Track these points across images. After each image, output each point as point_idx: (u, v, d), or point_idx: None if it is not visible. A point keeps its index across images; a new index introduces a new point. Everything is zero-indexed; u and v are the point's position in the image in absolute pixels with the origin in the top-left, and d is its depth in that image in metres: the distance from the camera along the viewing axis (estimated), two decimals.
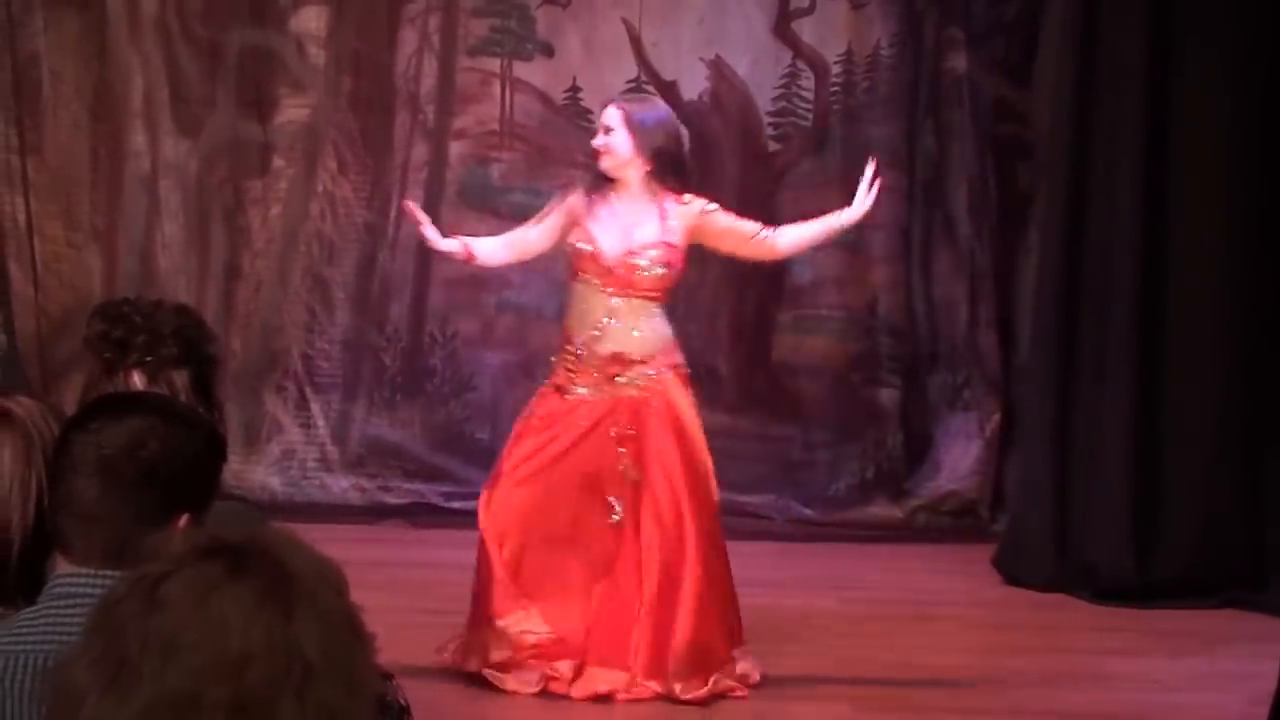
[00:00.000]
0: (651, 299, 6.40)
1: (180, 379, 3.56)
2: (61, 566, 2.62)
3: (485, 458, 9.14)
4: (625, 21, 9.08)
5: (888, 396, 9.21)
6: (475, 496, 8.99)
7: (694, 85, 9.09)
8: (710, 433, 9.23)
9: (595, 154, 6.47)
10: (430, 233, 6.57)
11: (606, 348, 6.36)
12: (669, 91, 9.07)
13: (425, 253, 9.18)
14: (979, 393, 9.19)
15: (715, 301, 9.18)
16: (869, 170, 6.44)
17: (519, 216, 8.96)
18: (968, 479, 9.14)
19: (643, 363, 6.38)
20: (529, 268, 9.13)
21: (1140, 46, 7.79)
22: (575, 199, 6.53)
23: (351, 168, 9.16)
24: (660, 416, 6.35)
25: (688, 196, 6.46)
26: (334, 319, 9.20)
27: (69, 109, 9.11)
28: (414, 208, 6.77)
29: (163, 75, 9.10)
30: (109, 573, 2.52)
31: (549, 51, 9.13)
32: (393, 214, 9.14)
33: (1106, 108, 7.91)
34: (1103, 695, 6.49)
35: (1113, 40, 7.89)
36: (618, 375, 6.36)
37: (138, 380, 3.55)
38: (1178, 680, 6.71)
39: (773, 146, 9.19)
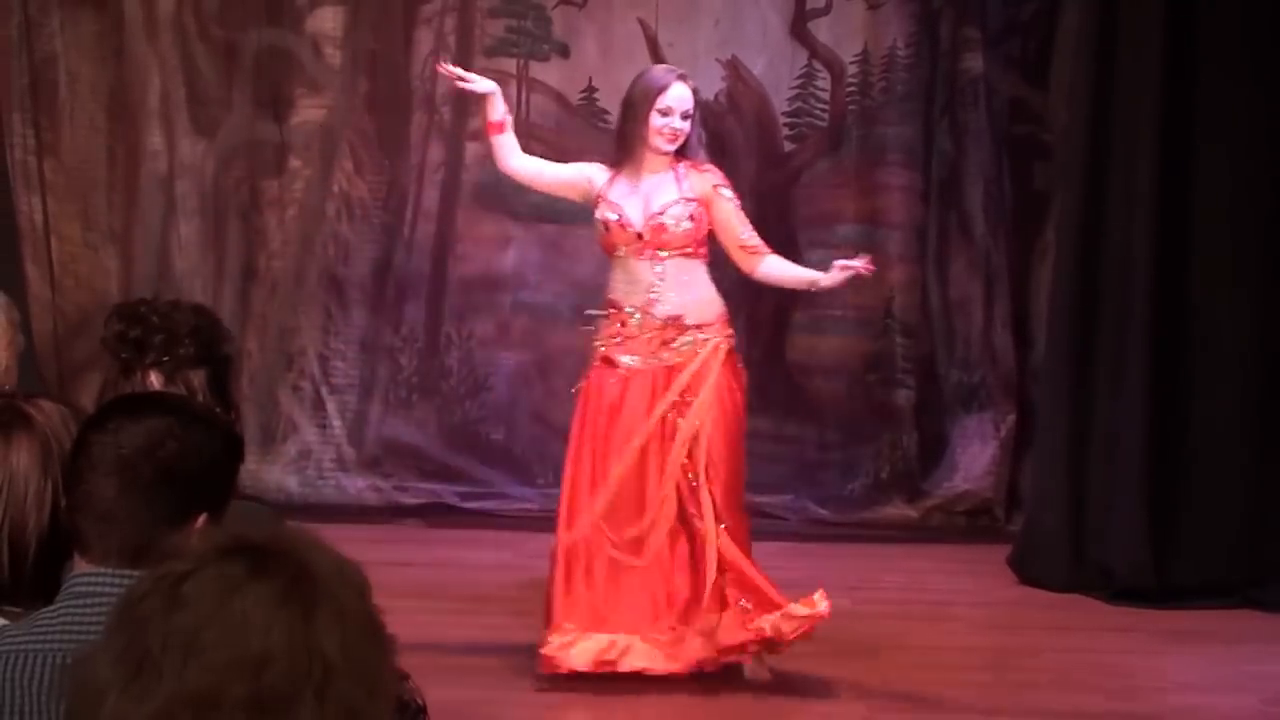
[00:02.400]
0: (689, 255, 6.39)
1: (197, 379, 3.57)
2: (80, 566, 2.63)
3: (501, 458, 9.18)
4: (641, 22, 9.08)
5: (903, 397, 9.20)
6: (491, 496, 9.14)
7: (710, 86, 9.07)
8: None
9: (660, 133, 6.35)
10: (473, 83, 6.54)
11: (663, 311, 6.36)
12: None
13: (441, 253, 9.22)
14: (994, 393, 9.18)
15: (730, 301, 9.15)
16: (858, 262, 6.26)
17: (536, 217, 9.03)
18: (983, 479, 9.13)
19: (698, 328, 6.39)
20: (548, 267, 9.21)
21: (1157, 46, 7.78)
22: (596, 171, 6.54)
23: (368, 168, 9.17)
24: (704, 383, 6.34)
25: (705, 166, 6.47)
26: (350, 319, 9.20)
27: (86, 110, 9.12)
28: (446, 66, 6.72)
29: (179, 76, 9.11)
30: (127, 572, 2.53)
31: (565, 52, 9.13)
32: (409, 215, 9.15)
33: (1123, 108, 7.90)
34: (1118, 696, 6.49)
35: (1130, 40, 7.88)
36: (673, 341, 6.36)
37: (155, 380, 3.56)
38: (1194, 681, 6.70)
39: (789, 146, 9.19)
